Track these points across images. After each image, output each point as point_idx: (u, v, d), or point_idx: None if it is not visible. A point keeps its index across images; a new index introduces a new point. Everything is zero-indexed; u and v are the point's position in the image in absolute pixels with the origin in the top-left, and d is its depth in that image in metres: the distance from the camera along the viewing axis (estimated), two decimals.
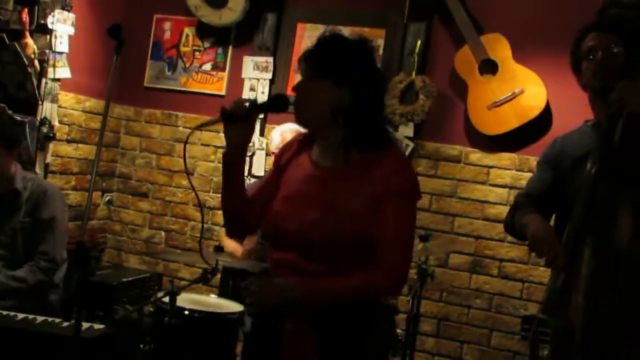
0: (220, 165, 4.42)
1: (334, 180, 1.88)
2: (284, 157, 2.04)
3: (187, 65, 4.50)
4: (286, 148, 2.06)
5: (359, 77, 1.85)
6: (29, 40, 3.67)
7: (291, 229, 1.85)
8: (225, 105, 1.94)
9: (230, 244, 3.60)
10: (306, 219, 1.83)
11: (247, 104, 1.90)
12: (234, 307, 3.17)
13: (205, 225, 4.44)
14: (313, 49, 1.90)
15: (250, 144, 4.24)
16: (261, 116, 4.24)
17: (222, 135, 4.62)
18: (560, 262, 2.00)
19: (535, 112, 3.67)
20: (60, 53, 3.85)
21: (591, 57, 2.21)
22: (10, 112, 3.59)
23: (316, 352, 1.82)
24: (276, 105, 1.96)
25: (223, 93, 4.41)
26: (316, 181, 1.90)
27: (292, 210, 1.88)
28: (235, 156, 1.95)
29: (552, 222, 2.29)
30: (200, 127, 2.03)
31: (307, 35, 4.21)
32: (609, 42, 2.19)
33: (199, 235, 4.45)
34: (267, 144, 4.21)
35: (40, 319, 2.65)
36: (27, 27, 3.67)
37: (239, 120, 1.89)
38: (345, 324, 1.84)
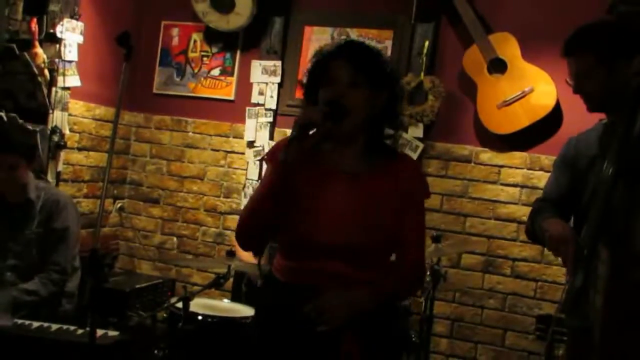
0: (231, 170, 4.46)
1: (364, 187, 1.90)
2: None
3: (196, 70, 4.52)
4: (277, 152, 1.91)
5: (391, 86, 1.92)
6: (39, 49, 3.69)
7: (333, 239, 1.84)
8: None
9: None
10: (349, 228, 1.85)
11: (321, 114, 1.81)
12: (247, 311, 3.18)
13: (216, 230, 4.45)
14: (348, 56, 1.87)
15: (260, 148, 4.26)
16: (270, 119, 4.25)
17: (232, 140, 4.65)
18: (569, 266, 1.99)
19: (545, 111, 3.65)
20: (70, 62, 3.87)
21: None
22: (21, 121, 3.62)
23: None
24: (339, 114, 1.84)
25: (232, 98, 4.42)
26: (345, 189, 1.89)
27: (331, 221, 1.86)
28: (293, 168, 1.83)
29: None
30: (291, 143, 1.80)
31: (314, 38, 4.21)
32: (573, 69, 2.16)
33: (210, 240, 4.46)
34: None
35: (55, 326, 2.66)
36: (37, 36, 3.70)
37: (314, 128, 1.81)
38: (373, 326, 1.88)
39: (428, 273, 3.14)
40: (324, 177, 1.92)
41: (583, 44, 2.14)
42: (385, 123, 1.94)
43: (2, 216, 3.13)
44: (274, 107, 4.26)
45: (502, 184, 3.84)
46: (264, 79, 4.29)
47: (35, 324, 2.67)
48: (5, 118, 3.59)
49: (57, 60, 3.78)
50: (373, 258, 1.90)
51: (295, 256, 1.92)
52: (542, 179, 3.69)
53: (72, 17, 3.84)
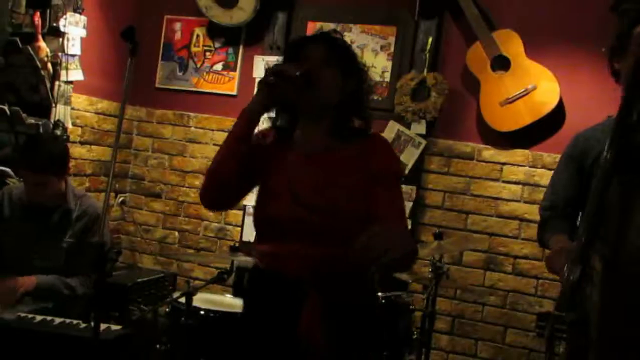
0: None
1: (329, 166, 1.96)
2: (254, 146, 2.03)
3: (199, 65, 4.51)
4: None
5: (360, 77, 2.03)
6: (42, 43, 3.68)
7: (297, 218, 1.89)
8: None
9: None
10: (314, 207, 1.89)
11: (297, 72, 1.92)
12: None
13: (218, 225, 4.45)
14: (323, 40, 2.02)
15: None
16: (272, 115, 4.23)
17: None
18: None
19: (548, 108, 3.65)
20: (73, 55, 3.86)
21: None
22: (24, 115, 3.61)
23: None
24: (310, 81, 1.94)
25: (234, 93, 4.41)
26: (309, 169, 1.95)
27: (294, 200, 1.91)
28: (259, 118, 1.98)
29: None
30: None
31: None
32: None
33: (212, 235, 4.46)
34: None
35: (58, 320, 2.66)
36: (40, 30, 3.69)
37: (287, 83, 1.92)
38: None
39: (430, 270, 3.15)
40: (290, 158, 1.99)
41: None
42: (353, 111, 2.01)
43: (38, 220, 3.08)
44: None
45: (504, 182, 3.85)
46: None
47: (39, 318, 2.67)
48: (8, 112, 3.58)
49: (60, 53, 3.77)
50: (339, 237, 1.86)
51: (264, 238, 1.99)
52: (544, 176, 3.69)
53: (75, 11, 3.83)
